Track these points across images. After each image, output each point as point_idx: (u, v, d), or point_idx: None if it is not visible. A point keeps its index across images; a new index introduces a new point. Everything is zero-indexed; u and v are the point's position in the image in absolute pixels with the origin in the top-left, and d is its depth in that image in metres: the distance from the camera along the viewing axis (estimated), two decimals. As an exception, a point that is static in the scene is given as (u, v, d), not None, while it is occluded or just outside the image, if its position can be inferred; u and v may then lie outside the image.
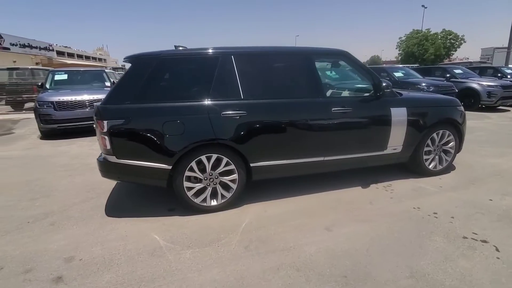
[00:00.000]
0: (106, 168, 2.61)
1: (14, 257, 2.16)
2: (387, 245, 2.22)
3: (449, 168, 3.76)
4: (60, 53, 36.74)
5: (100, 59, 65.73)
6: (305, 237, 2.34)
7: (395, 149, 3.29)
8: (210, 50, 2.69)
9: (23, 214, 2.84)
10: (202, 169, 2.67)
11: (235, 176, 2.77)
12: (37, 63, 19.59)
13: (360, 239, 2.30)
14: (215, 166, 2.70)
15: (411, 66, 14.76)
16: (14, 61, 16.12)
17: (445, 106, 3.53)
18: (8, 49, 17.44)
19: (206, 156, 2.64)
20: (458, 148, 3.69)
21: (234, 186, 2.80)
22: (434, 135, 3.45)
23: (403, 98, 3.30)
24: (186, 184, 2.65)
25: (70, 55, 44.22)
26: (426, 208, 2.78)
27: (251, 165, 2.79)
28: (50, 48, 24.79)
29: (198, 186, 2.70)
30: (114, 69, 18.67)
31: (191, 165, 2.62)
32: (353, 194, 3.13)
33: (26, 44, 18.45)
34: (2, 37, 16.14)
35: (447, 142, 3.58)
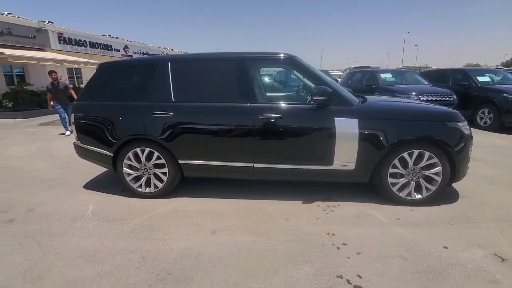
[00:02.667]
0: (77, 150, 3.42)
1: (5, 204, 3.18)
2: (243, 260, 2.10)
3: (441, 199, 2.94)
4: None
5: None
6: (185, 235, 2.46)
7: (345, 165, 2.86)
8: (151, 58, 3.11)
9: (43, 177, 4.01)
10: (145, 160, 3.12)
11: (165, 169, 3.11)
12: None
13: (228, 248, 2.25)
14: (150, 158, 3.11)
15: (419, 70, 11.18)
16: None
17: (424, 121, 2.77)
18: (132, 57, 22.63)
19: (140, 149, 3.09)
20: (453, 176, 2.84)
21: (165, 178, 3.13)
22: (405, 155, 2.79)
23: (356, 107, 2.81)
24: (126, 170, 3.16)
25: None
26: (342, 237, 2.37)
27: (179, 161, 3.06)
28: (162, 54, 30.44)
29: (135, 173, 3.17)
30: None
31: (128, 155, 3.11)
32: (282, 207, 2.93)
33: (144, 52, 23.58)
34: (128, 47, 21.33)
35: (429, 167, 2.81)
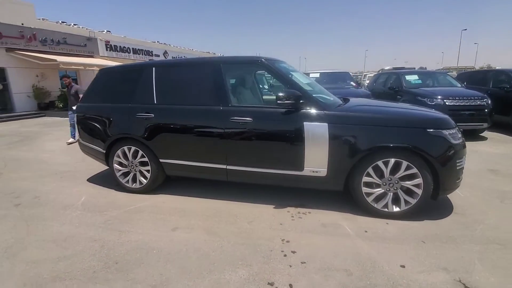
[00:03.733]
0: (80, 146, 3.83)
1: (13, 190, 3.69)
2: (187, 258, 2.17)
3: (427, 215, 2.68)
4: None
5: None
6: (148, 229, 2.62)
7: (316, 171, 2.76)
8: (141, 63, 3.35)
9: (60, 169, 4.55)
10: (132, 157, 3.38)
11: (149, 167, 3.33)
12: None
13: (179, 245, 2.34)
14: (136, 156, 3.36)
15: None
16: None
17: (400, 127, 2.54)
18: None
19: (127, 147, 3.35)
20: (440, 189, 2.57)
21: (148, 175, 3.36)
22: (380, 163, 2.59)
23: (326, 112, 2.69)
24: (116, 166, 3.46)
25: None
26: (295, 245, 2.31)
27: (160, 160, 3.25)
28: None
29: (124, 170, 3.45)
30: None
31: (118, 152, 3.40)
32: (251, 210, 2.94)
33: (183, 56, 25.02)
34: (167, 52, 22.85)
35: (408, 178, 2.58)
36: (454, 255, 2.14)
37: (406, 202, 2.63)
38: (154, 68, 3.26)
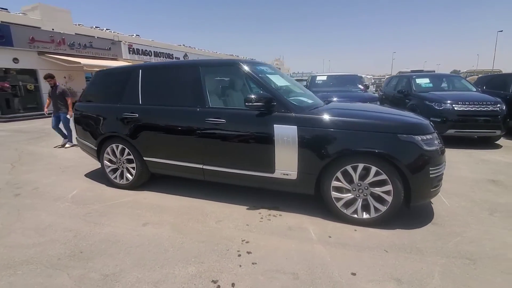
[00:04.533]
0: (77, 143, 4.10)
1: (18, 181, 4.02)
2: (145, 251, 2.26)
3: (403, 224, 2.58)
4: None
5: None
6: (122, 223, 2.76)
7: (287, 174, 2.76)
8: (130, 66, 3.53)
9: (65, 164, 4.89)
10: (120, 155, 3.58)
11: (134, 165, 3.49)
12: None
13: (143, 240, 2.44)
14: (123, 154, 3.54)
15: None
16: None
17: (369, 131, 2.46)
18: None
19: (115, 145, 3.54)
20: (412, 197, 2.46)
21: (133, 172, 3.52)
22: (349, 168, 2.53)
23: (297, 115, 2.67)
24: (106, 163, 3.67)
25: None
26: (253, 246, 2.32)
27: (144, 158, 3.40)
28: None
29: (112, 166, 3.65)
30: None
31: (107, 150, 3.61)
32: (224, 210, 2.99)
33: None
34: (187, 55, 23.61)
35: (378, 184, 2.49)
36: (414, 266, 2.05)
37: (376, 209, 2.54)
38: (140, 70, 3.43)
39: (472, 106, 5.43)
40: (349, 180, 2.58)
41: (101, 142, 3.62)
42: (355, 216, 2.61)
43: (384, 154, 2.40)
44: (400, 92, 7.12)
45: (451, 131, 5.52)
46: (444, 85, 6.95)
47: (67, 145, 6.19)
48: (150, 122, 3.29)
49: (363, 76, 15.63)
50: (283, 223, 2.70)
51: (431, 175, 2.43)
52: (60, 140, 6.41)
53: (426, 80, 6.98)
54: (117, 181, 3.64)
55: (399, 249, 2.26)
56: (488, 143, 5.88)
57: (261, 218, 2.82)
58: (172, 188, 3.60)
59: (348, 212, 2.63)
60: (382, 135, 2.43)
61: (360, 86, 7.89)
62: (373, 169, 2.47)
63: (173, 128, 3.17)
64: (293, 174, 2.74)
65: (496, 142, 5.93)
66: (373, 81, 25.30)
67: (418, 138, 2.40)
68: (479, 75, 9.47)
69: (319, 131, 2.59)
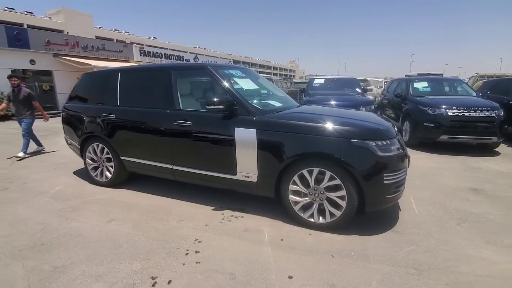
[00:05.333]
0: (66, 141, 4.31)
1: (11, 176, 4.27)
2: (100, 246, 2.37)
3: (363, 229, 2.56)
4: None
5: (290, 70, 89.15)
6: (89, 219, 2.89)
7: (248, 176, 2.80)
8: (111, 69, 3.69)
9: (59, 161, 5.14)
10: (100, 153, 3.75)
11: (112, 163, 3.64)
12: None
13: (102, 235, 2.56)
14: (103, 153, 3.70)
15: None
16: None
17: (323, 136, 2.45)
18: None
19: (95, 144, 3.71)
20: (365, 203, 2.44)
21: (112, 170, 3.68)
22: (305, 172, 2.54)
23: (257, 118, 2.71)
24: (88, 161, 3.85)
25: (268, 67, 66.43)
26: (204, 246, 2.38)
27: (121, 157, 3.55)
28: (229, 63, 32.32)
29: (93, 164, 3.82)
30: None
31: (89, 149, 3.78)
32: (190, 210, 3.06)
33: (213, 61, 26.12)
34: (197, 57, 24.04)
35: (332, 189, 2.49)
36: (354, 273, 2.03)
37: (331, 214, 2.53)
38: (119, 73, 3.58)
39: (467, 111, 5.23)
40: (306, 184, 2.58)
41: (84, 141, 3.80)
42: (312, 220, 2.61)
43: (337, 159, 2.39)
44: (397, 96, 6.96)
45: (444, 137, 5.35)
46: (443, 89, 6.73)
47: (19, 154, 5.31)
48: (125, 123, 3.42)
49: (369, 79, 15.32)
50: (242, 225, 2.74)
51: (385, 182, 2.39)
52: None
53: (424, 84, 6.79)
54: (98, 178, 3.80)
55: (346, 255, 2.24)
56: (487, 150, 5.64)
57: (223, 219, 2.87)
58: (150, 187, 3.71)
59: (305, 216, 2.64)
60: (336, 140, 2.43)
61: (357, 89, 7.79)
62: (328, 173, 2.46)
63: (146, 128, 3.28)
64: (254, 176, 2.77)
65: (496, 149, 5.69)
66: (384, 84, 24.68)
67: (372, 143, 2.38)
68: (490, 79, 9.08)
69: (276, 134, 2.62)
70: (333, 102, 6.50)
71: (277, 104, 3.23)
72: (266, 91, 3.53)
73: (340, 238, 2.49)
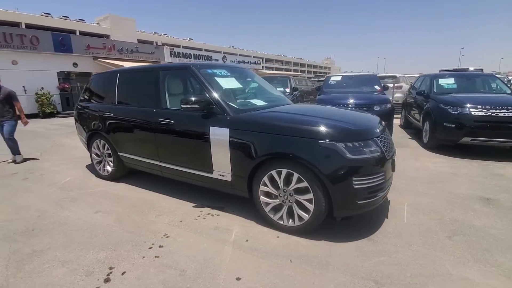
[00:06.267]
0: (78, 136, 4.71)
1: (33, 168, 4.77)
2: (79, 235, 2.56)
3: (338, 235, 2.44)
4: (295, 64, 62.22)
5: (325, 67, 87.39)
6: (80, 209, 3.13)
7: (223, 175, 2.82)
8: (113, 70, 3.95)
9: (78, 155, 5.64)
10: (102, 148, 4.05)
11: (111, 158, 3.91)
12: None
13: (85, 225, 2.76)
14: (104, 148, 3.99)
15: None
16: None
17: (291, 136, 2.35)
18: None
19: (98, 140, 4.01)
20: (334, 208, 2.31)
21: (112, 164, 3.94)
22: (274, 173, 2.48)
23: (230, 117, 2.69)
24: (93, 156, 4.18)
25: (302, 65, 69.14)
26: (169, 241, 2.45)
27: (118, 153, 3.79)
28: (258, 62, 31.39)
29: (98, 159, 4.13)
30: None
31: (93, 144, 4.10)
32: (171, 205, 3.17)
33: (241, 61, 26.43)
34: (225, 57, 24.49)
35: (301, 191, 2.39)
36: (306, 280, 1.94)
37: (300, 217, 2.44)
38: (118, 74, 3.82)
39: (494, 111, 4.64)
40: (276, 185, 2.52)
41: (89, 137, 4.13)
42: (281, 222, 2.54)
43: (303, 160, 2.29)
44: (419, 94, 6.41)
45: (466, 139, 4.80)
46: (473, 86, 6.03)
47: (9, 160, 5.10)
48: (121, 121, 3.64)
49: (399, 75, 14.25)
50: (213, 223, 2.77)
51: (356, 186, 2.23)
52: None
53: (451, 81, 6.15)
54: (101, 172, 4.11)
55: (305, 261, 2.15)
56: (518, 154, 4.95)
57: (198, 216, 2.92)
58: (145, 182, 3.91)
59: (275, 217, 2.58)
60: (303, 140, 2.32)
61: (376, 87, 7.32)
62: (295, 175, 2.37)
63: (138, 126, 3.46)
64: (228, 175, 2.78)
65: (532, 154, 4.96)
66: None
67: (341, 145, 2.24)
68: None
69: (246, 133, 2.59)
70: (348, 101, 6.20)
71: (259, 103, 3.18)
72: (253, 90, 3.50)
73: (307, 243, 2.39)
